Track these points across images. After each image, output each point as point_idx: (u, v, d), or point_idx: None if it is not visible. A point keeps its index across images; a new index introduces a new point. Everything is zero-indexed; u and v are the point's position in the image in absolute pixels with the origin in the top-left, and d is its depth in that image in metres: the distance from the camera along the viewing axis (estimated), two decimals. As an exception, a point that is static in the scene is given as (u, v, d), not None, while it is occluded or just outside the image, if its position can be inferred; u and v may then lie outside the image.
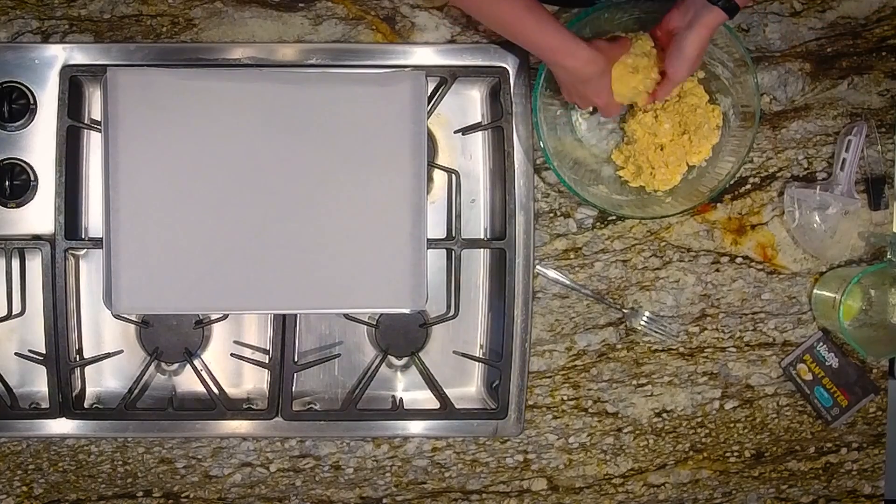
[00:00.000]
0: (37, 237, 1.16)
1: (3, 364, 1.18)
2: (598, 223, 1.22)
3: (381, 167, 1.16)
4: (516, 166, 1.18)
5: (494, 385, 1.20)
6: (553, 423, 1.22)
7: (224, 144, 1.14)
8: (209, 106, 1.13)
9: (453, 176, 1.20)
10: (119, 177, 1.13)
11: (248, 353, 1.21)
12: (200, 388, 1.17)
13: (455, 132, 1.23)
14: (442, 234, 1.22)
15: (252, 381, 1.23)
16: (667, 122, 1.16)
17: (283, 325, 1.17)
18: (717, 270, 1.23)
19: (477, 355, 1.24)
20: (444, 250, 1.20)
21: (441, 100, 1.18)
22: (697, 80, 1.18)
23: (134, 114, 1.12)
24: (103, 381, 1.21)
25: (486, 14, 1.05)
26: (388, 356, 1.21)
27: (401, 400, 1.21)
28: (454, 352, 1.23)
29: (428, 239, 1.17)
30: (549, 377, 1.22)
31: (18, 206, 1.17)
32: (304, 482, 1.21)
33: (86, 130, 1.17)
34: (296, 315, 1.18)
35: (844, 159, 1.20)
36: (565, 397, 1.22)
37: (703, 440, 1.23)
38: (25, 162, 1.16)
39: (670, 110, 1.17)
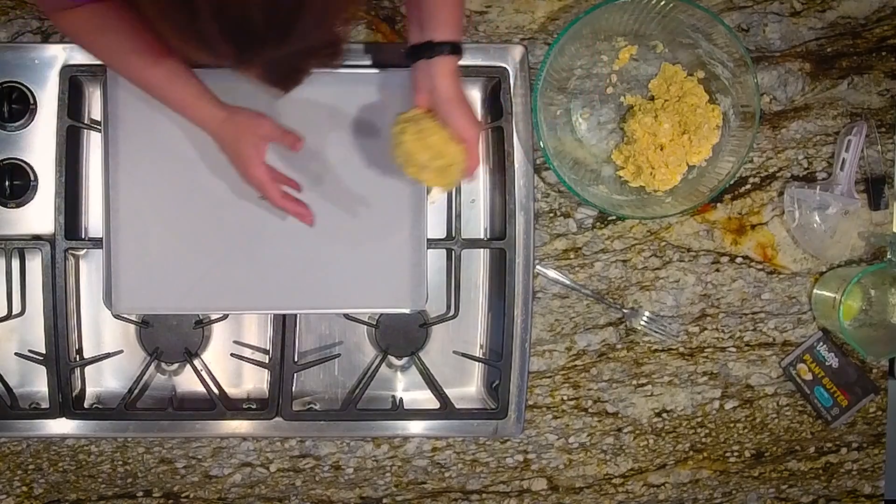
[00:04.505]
0: (37, 237, 1.16)
1: (3, 364, 1.18)
2: (598, 223, 1.22)
3: (381, 167, 1.16)
4: (516, 166, 1.18)
5: (494, 385, 1.20)
6: (553, 423, 1.22)
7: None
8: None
9: (453, 176, 1.20)
10: (119, 177, 1.13)
11: (248, 353, 1.21)
12: (200, 388, 1.17)
13: (455, 132, 1.23)
14: (442, 234, 1.22)
15: (252, 381, 1.23)
16: (667, 122, 1.16)
17: (283, 325, 1.17)
18: (717, 270, 1.23)
19: (477, 355, 1.24)
20: (444, 250, 1.20)
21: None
22: (697, 80, 1.18)
23: (134, 114, 1.12)
24: (103, 381, 1.21)
25: (117, 70, 1.03)
26: (388, 356, 1.21)
27: (401, 400, 1.21)
28: (454, 352, 1.23)
29: (428, 239, 1.17)
30: (549, 377, 1.22)
31: (18, 206, 1.17)
32: (304, 482, 1.21)
33: (86, 130, 1.17)
34: (296, 315, 1.18)
35: (844, 159, 1.20)
36: (565, 397, 1.22)
37: (703, 440, 1.23)
38: (25, 162, 1.16)
39: (670, 110, 1.17)
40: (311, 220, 1.06)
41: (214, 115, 1.01)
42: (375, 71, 1.17)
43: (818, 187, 1.20)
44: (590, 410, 1.22)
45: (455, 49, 0.97)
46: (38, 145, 1.17)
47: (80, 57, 1.15)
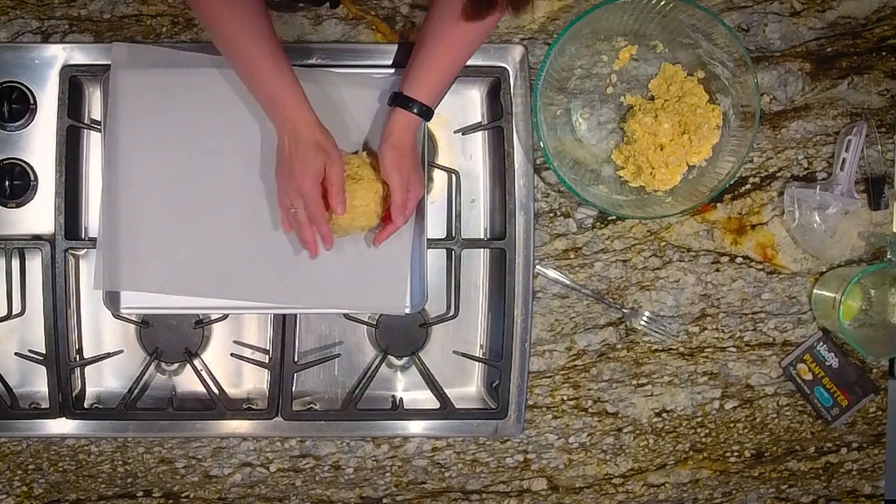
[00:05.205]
0: (37, 237, 1.16)
1: (3, 364, 1.18)
2: (598, 223, 1.22)
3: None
4: (516, 166, 1.18)
5: (494, 385, 1.20)
6: (553, 423, 1.22)
7: (224, 145, 1.14)
8: (209, 107, 1.13)
9: (453, 176, 1.20)
10: (119, 176, 1.13)
11: (248, 353, 1.21)
12: (200, 388, 1.17)
13: (455, 132, 1.23)
14: (442, 234, 1.22)
15: (252, 381, 1.23)
16: (667, 122, 1.16)
17: (283, 325, 1.17)
18: (717, 270, 1.23)
19: (477, 355, 1.24)
20: (444, 250, 1.20)
21: (441, 100, 1.18)
22: (697, 80, 1.18)
23: (134, 114, 1.12)
24: (103, 381, 1.21)
25: (231, 50, 1.03)
26: (388, 356, 1.21)
27: (401, 400, 1.21)
28: (454, 352, 1.23)
29: (428, 239, 1.17)
30: (549, 377, 1.22)
31: (18, 206, 1.17)
32: (304, 482, 1.21)
33: (86, 130, 1.17)
34: (296, 315, 1.18)
35: (844, 159, 1.21)
36: (565, 397, 1.22)
37: (703, 440, 1.23)
38: (25, 162, 1.16)
39: (670, 110, 1.17)
40: (316, 252, 1.09)
41: (309, 121, 1.03)
42: (375, 71, 1.17)
43: (818, 187, 1.20)
44: (590, 410, 1.22)
45: (422, 111, 1.06)
46: (38, 145, 1.17)
47: (80, 57, 1.15)
